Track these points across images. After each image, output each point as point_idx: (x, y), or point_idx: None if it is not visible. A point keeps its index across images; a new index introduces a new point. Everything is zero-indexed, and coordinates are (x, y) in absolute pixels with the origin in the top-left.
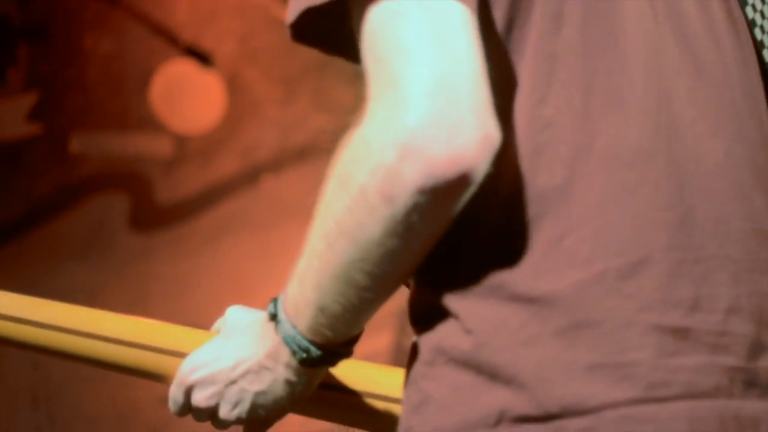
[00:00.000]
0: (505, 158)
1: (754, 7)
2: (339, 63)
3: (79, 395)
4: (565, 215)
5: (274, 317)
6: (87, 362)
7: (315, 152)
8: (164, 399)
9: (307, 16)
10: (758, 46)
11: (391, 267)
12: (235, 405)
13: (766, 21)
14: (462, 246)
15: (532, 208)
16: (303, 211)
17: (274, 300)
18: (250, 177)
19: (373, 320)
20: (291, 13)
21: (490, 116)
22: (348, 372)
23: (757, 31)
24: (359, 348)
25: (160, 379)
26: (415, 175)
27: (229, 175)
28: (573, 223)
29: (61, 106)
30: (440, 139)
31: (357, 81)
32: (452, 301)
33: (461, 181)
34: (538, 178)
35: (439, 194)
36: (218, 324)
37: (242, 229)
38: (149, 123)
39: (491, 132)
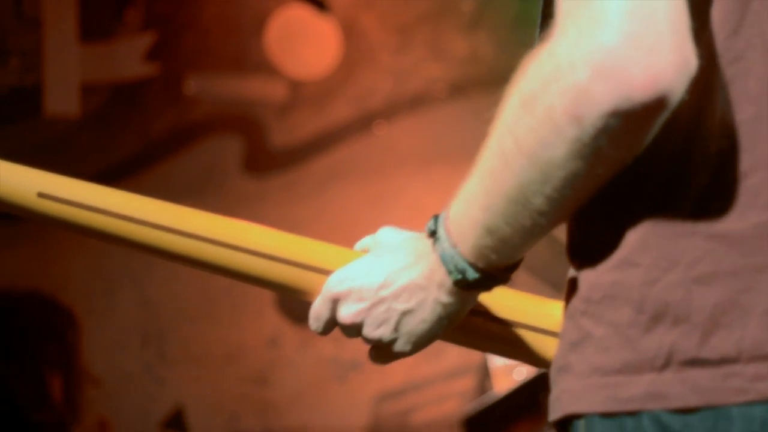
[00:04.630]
0: (694, 87)
1: None
2: (455, 12)
3: (188, 334)
4: (750, 153)
5: (433, 234)
6: (232, 275)
7: (428, 101)
8: (272, 341)
9: None
10: None
11: (570, 192)
12: (380, 324)
13: None
14: (635, 175)
15: (716, 143)
16: (415, 158)
17: (435, 217)
18: (363, 124)
19: None
20: None
21: (689, 41)
22: (501, 300)
23: None
24: None
25: (304, 295)
26: (607, 97)
27: (343, 121)
28: (758, 163)
29: (178, 47)
30: (637, 60)
31: (472, 30)
32: (618, 232)
33: (656, 106)
34: (725, 111)
35: (631, 118)
36: (365, 242)
37: (354, 175)
38: (264, 67)
39: (689, 57)
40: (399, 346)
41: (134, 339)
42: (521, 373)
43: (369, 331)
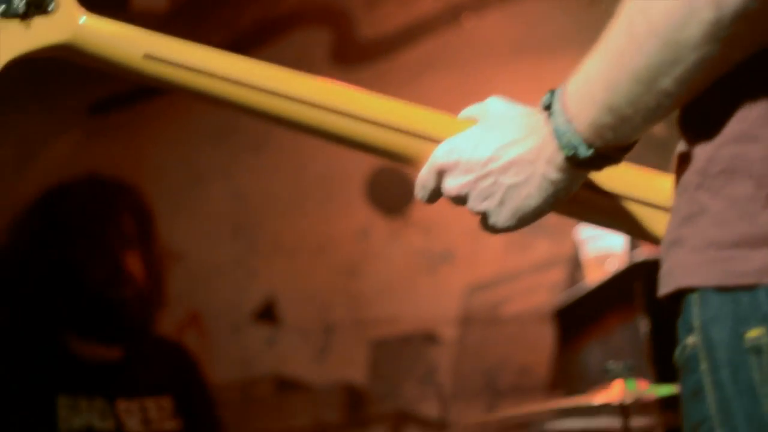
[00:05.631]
0: None
1: None
2: None
3: (279, 226)
4: None
5: (548, 108)
6: (339, 140)
7: None
8: (362, 232)
9: None
10: None
11: (700, 74)
12: (486, 197)
13: None
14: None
15: None
16: (502, 50)
17: (552, 91)
18: (451, 15)
19: None
20: None
21: None
22: (610, 172)
23: None
24: None
25: (411, 162)
26: None
27: (431, 13)
28: None
29: None
30: None
31: None
32: (738, 106)
33: None
34: None
35: None
36: (472, 110)
37: (443, 66)
38: None
39: None
40: (504, 220)
41: (225, 231)
42: (613, 263)
43: (474, 204)
